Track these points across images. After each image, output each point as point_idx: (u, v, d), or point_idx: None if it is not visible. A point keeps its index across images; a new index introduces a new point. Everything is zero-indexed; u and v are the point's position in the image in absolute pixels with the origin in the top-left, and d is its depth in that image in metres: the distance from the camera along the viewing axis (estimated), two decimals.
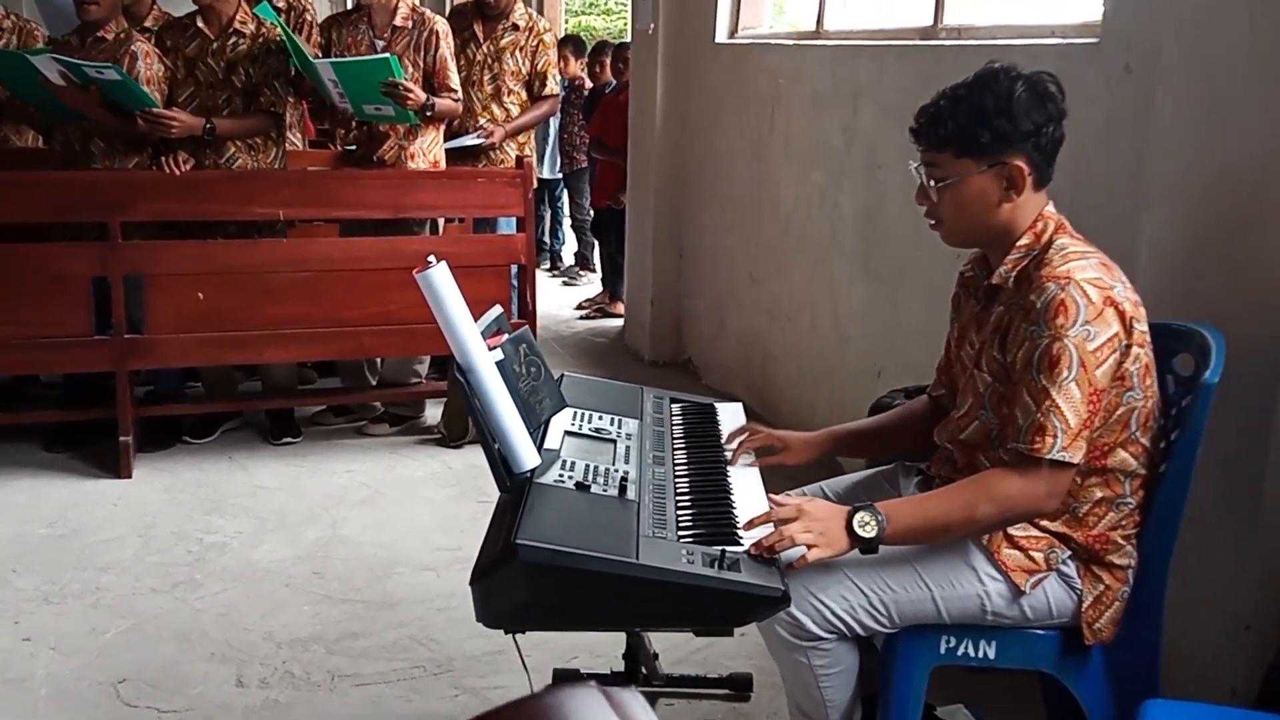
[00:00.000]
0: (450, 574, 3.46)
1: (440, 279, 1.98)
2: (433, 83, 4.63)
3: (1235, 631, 2.33)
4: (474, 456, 4.46)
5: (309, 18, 5.06)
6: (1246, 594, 2.32)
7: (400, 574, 3.47)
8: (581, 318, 7.14)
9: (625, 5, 18.28)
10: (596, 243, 7.76)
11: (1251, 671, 2.32)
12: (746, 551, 1.85)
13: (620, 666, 2.82)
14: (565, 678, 2.82)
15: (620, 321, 6.73)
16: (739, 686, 2.80)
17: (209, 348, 4.35)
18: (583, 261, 8.44)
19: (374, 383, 4.88)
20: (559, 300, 7.52)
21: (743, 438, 2.36)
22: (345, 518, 3.91)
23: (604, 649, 2.93)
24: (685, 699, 2.78)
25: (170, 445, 4.54)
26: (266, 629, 3.13)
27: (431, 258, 2.02)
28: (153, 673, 2.91)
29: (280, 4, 5.05)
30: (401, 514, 3.95)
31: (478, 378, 1.99)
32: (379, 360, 4.87)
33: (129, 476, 4.21)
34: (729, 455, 2.32)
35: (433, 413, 4.87)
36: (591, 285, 7.99)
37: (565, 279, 8.33)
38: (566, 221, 8.61)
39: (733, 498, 2.10)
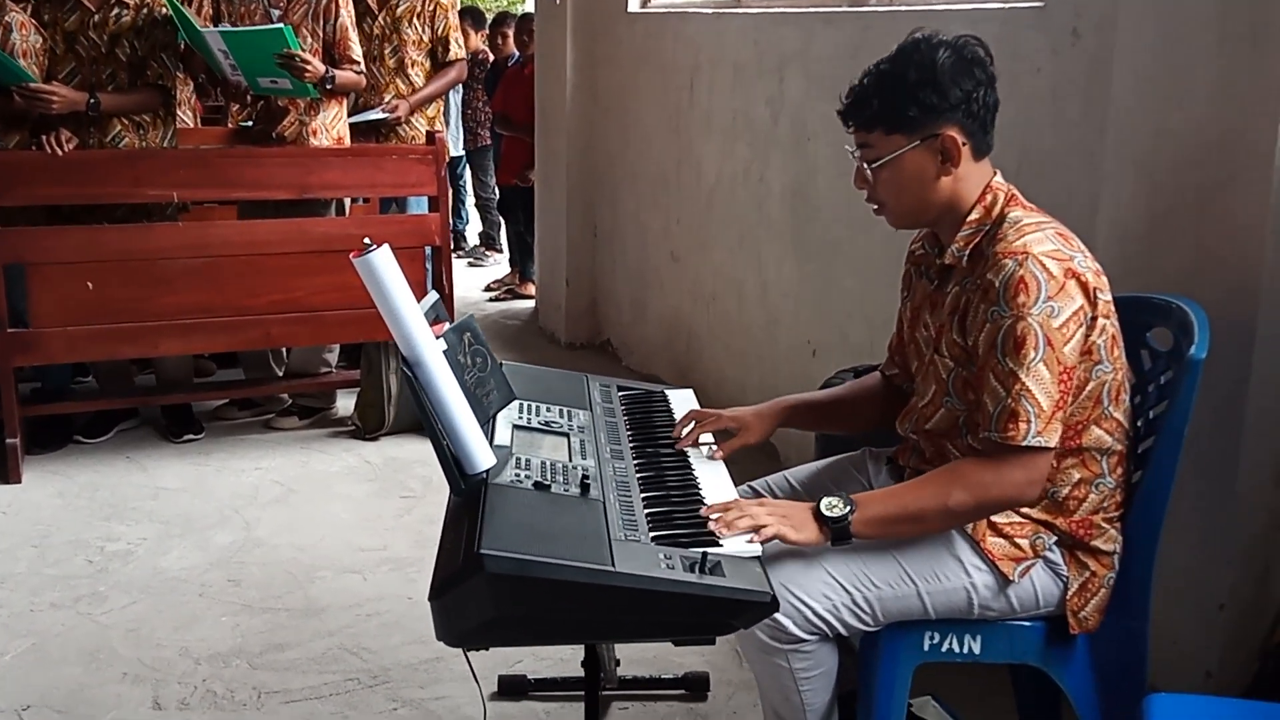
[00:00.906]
0: (377, 576, 3.27)
1: (383, 263, 1.81)
2: (333, 54, 4.38)
3: (1210, 612, 2.28)
4: (392, 449, 4.27)
5: None
6: (1221, 573, 2.27)
7: (323, 578, 3.27)
8: (491, 299, 6.95)
9: None
10: (503, 222, 7.55)
11: (1227, 653, 2.27)
12: (727, 553, 1.72)
13: (567, 670, 2.69)
14: (511, 685, 2.66)
15: (532, 303, 6.55)
16: (696, 687, 2.68)
17: (99, 341, 4.06)
18: (488, 241, 8.23)
19: (280, 374, 4.62)
20: (466, 282, 7.28)
21: (692, 425, 2.21)
22: (258, 519, 3.68)
23: (549, 651, 2.79)
24: (640, 701, 2.65)
25: (61, 446, 4.25)
26: (182, 644, 2.91)
27: (368, 239, 1.85)
28: (60, 697, 2.68)
29: None
30: (319, 513, 3.74)
31: (426, 371, 1.82)
32: (285, 349, 4.62)
33: (18, 481, 3.91)
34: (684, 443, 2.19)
35: (344, 403, 4.64)
36: (498, 266, 7.80)
37: (471, 260, 8.11)
38: (470, 200, 8.37)
39: (702, 493, 1.97)
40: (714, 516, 1.79)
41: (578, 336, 5.76)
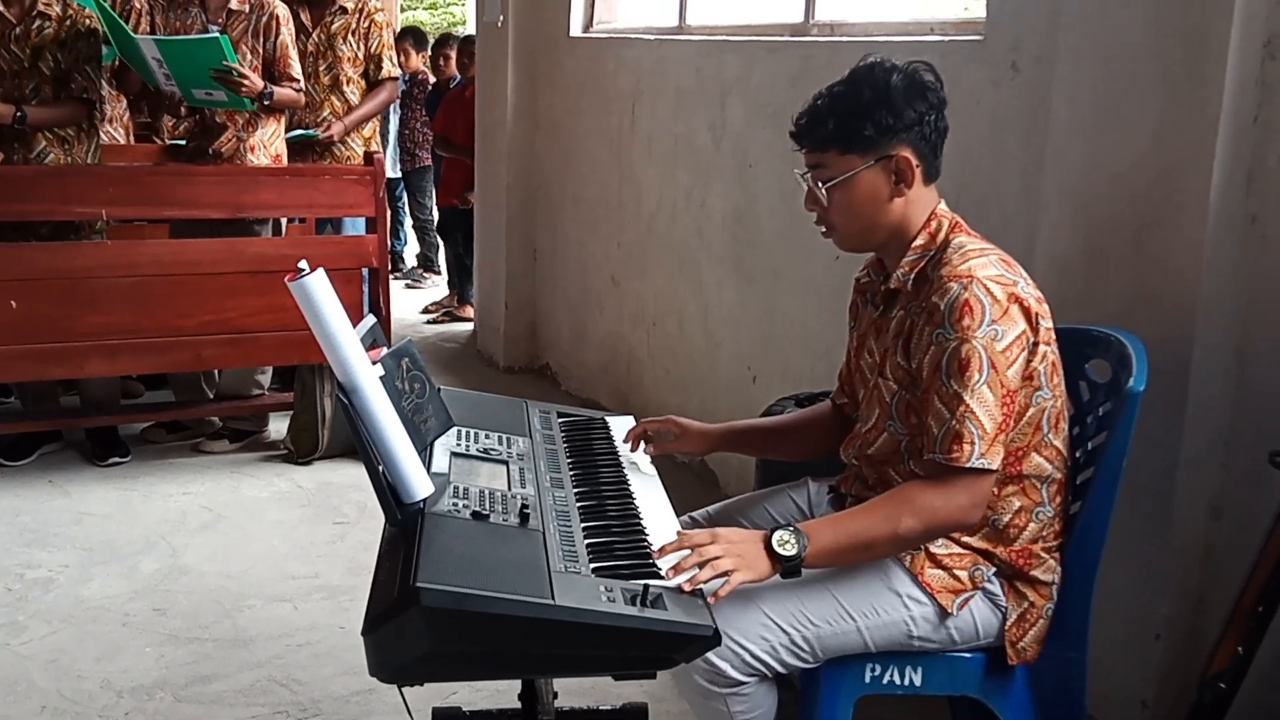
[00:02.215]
0: (309, 605, 3.20)
1: (317, 287, 1.76)
2: (273, 71, 4.32)
3: (1146, 642, 2.30)
4: (325, 474, 4.19)
5: (136, 4, 4.65)
6: (1155, 604, 2.29)
7: (252, 607, 3.19)
8: (429, 322, 6.88)
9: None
10: (441, 244, 7.49)
11: (1163, 684, 2.29)
12: (668, 585, 1.69)
13: (503, 702, 2.64)
14: (446, 717, 2.60)
15: (470, 326, 6.49)
16: (634, 718, 2.63)
17: (23, 362, 3.94)
18: (426, 263, 8.15)
19: (211, 396, 4.52)
20: (403, 304, 7.21)
21: (636, 428, 2.27)
22: (186, 545, 3.58)
23: (485, 682, 2.73)
24: None
25: None
26: (104, 675, 2.82)
27: (303, 264, 1.80)
28: None
29: None
30: (249, 540, 3.65)
31: (362, 398, 1.78)
32: (216, 371, 4.52)
33: None
34: (626, 462, 2.19)
35: (277, 426, 4.55)
36: (436, 288, 7.73)
37: (408, 282, 8.02)
38: (408, 221, 8.29)
39: (643, 523, 1.94)
40: (668, 563, 1.73)
41: (516, 360, 5.72)
